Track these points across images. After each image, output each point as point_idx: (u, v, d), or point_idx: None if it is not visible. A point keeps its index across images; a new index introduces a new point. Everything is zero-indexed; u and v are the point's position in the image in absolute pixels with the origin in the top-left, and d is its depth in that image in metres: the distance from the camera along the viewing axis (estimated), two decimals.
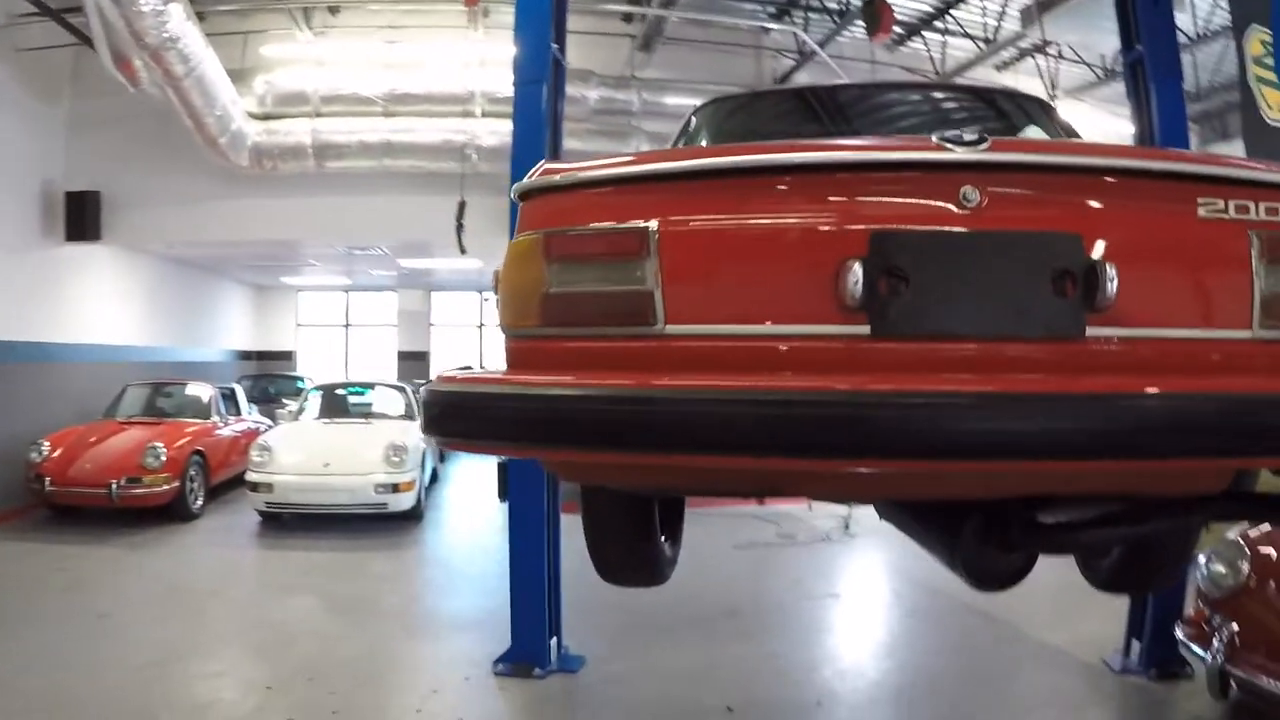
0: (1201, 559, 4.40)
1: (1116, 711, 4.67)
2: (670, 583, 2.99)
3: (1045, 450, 1.35)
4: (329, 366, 17.37)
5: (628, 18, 9.62)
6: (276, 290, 17.92)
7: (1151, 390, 1.40)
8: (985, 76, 10.25)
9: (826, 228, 1.53)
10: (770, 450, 1.37)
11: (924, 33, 10.34)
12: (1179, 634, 4.44)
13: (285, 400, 12.36)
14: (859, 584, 7.03)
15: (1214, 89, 9.63)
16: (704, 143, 2.68)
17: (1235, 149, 7.84)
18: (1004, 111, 2.83)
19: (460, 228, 9.23)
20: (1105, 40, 7.62)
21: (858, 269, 1.44)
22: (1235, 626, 3.93)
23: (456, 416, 1.57)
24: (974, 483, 1.70)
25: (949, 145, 1.49)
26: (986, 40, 9.99)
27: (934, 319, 1.49)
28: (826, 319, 1.50)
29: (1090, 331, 1.49)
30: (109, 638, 5.07)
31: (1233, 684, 3.82)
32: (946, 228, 1.50)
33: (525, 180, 1.66)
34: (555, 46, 4.79)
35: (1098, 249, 1.50)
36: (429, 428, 1.62)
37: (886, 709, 4.61)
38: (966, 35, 10.15)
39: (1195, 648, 4.28)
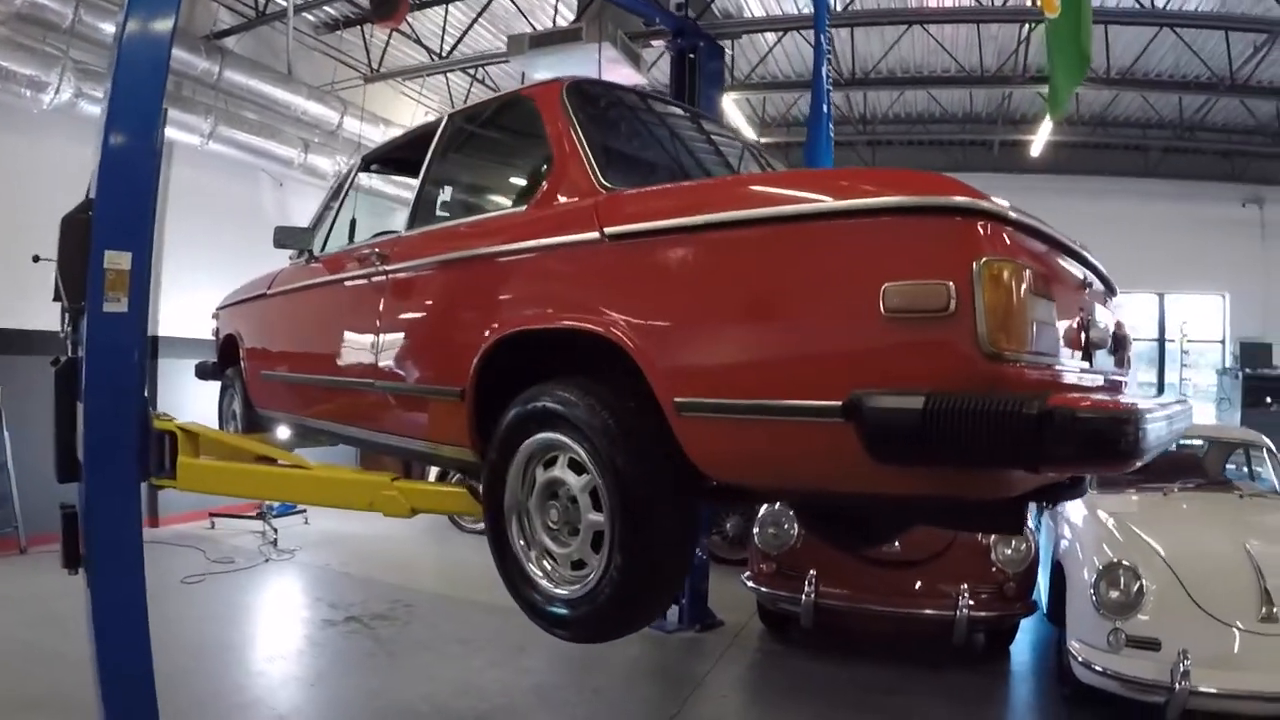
0: (756, 526, 5.44)
1: (705, 659, 5.40)
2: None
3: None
4: None
5: None
6: None
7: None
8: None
9: (1081, 291, 2.04)
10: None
11: (366, 28, 10.08)
12: (752, 585, 5.39)
13: None
14: (365, 599, 6.50)
15: None
16: (612, 130, 2.69)
17: None
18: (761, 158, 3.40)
19: None
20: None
21: (1103, 325, 2.03)
22: (814, 571, 5.02)
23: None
24: None
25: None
26: (440, 54, 10.20)
27: (1099, 361, 2.10)
28: (1077, 355, 1.95)
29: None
30: None
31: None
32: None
33: (987, 202, 1.62)
34: None
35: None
36: (1131, 452, 1.49)
37: (549, 713, 4.58)
38: (419, 42, 10.20)
39: (766, 590, 5.33)
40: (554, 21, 9.36)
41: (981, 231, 1.59)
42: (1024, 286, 1.59)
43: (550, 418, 2.14)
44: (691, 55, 6.28)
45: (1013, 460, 1.51)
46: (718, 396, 1.84)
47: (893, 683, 4.92)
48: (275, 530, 8.26)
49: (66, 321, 3.30)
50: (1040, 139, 11.74)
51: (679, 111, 3.28)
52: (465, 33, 9.78)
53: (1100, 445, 1.48)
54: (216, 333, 5.21)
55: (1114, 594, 4.06)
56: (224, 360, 5.01)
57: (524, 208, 2.52)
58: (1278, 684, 3.66)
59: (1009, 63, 10.63)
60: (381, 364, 2.98)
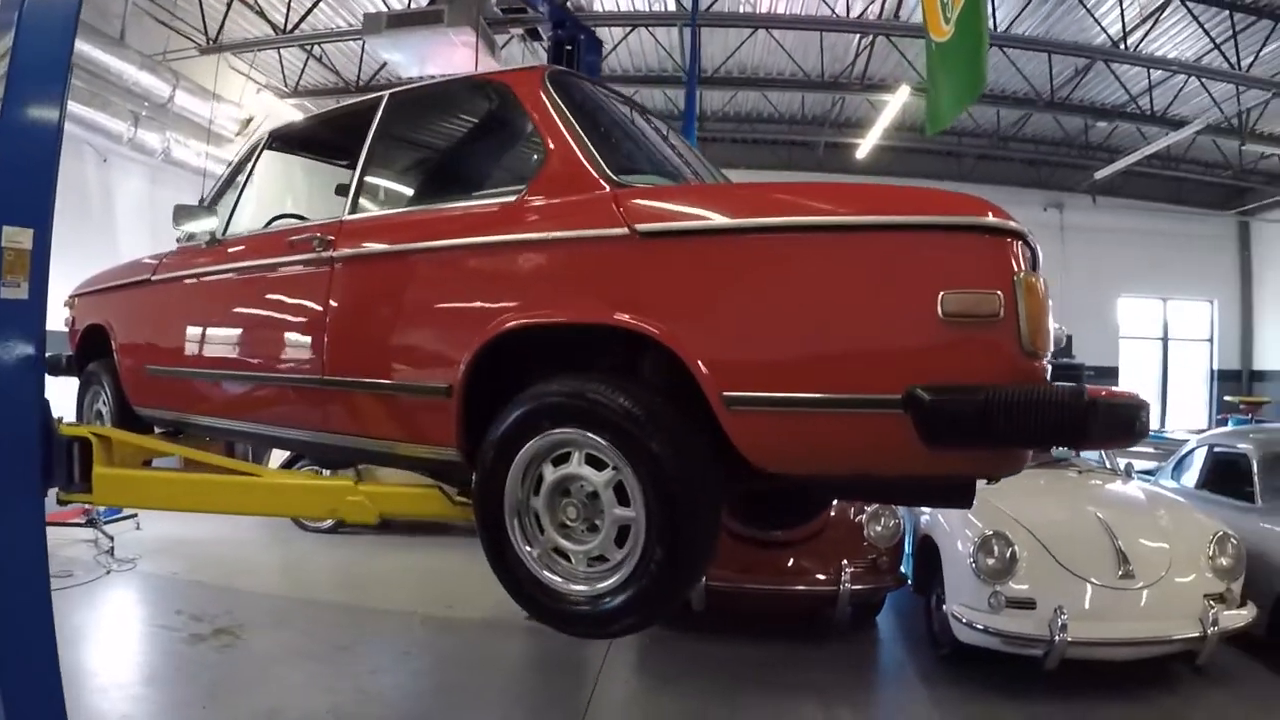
0: None
1: (595, 647, 5.32)
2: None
3: None
4: None
5: None
6: None
7: None
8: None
9: None
10: None
11: None
12: None
13: None
14: (228, 609, 6.00)
15: None
16: (594, 121, 2.61)
17: None
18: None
19: None
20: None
21: (1058, 325, 2.21)
22: None
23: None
24: None
25: None
26: (283, 29, 9.63)
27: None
28: None
29: None
30: None
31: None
32: None
33: (1013, 222, 1.87)
34: None
35: None
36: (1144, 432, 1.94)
37: (468, 715, 4.47)
38: (262, 15, 9.58)
39: None
40: (409, 2, 9.07)
41: (1014, 248, 1.84)
42: (1044, 295, 1.84)
43: (571, 413, 2.11)
44: (569, 47, 6.20)
45: (1059, 441, 1.80)
46: (770, 391, 1.92)
47: (781, 658, 5.15)
48: (111, 538, 7.54)
49: None
50: (869, 142, 12.56)
51: (626, 105, 3.31)
52: (313, 7, 9.29)
53: (1128, 427, 1.85)
54: (72, 323, 4.70)
55: (990, 561, 4.48)
56: (84, 354, 4.53)
57: (512, 198, 2.45)
58: (1141, 631, 4.25)
59: (847, 70, 11.32)
60: (331, 358, 2.78)
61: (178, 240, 3.85)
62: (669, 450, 2.00)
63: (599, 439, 2.08)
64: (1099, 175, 13.02)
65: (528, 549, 2.24)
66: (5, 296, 2.77)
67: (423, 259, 2.60)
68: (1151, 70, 10.53)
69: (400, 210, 2.87)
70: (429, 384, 2.45)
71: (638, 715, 4.61)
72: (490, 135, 2.98)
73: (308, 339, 2.86)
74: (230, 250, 3.39)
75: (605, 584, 2.12)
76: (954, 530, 4.85)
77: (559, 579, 2.20)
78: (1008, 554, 4.50)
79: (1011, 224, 1.86)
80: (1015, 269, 1.81)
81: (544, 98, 2.48)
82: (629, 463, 2.04)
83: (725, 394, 1.95)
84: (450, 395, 2.37)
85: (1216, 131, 11.52)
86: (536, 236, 2.30)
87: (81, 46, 7.80)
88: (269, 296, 3.15)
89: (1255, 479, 5.65)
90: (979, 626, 4.38)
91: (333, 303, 2.80)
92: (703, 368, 1.98)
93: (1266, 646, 4.85)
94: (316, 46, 10.81)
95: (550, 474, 2.20)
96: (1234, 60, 9.51)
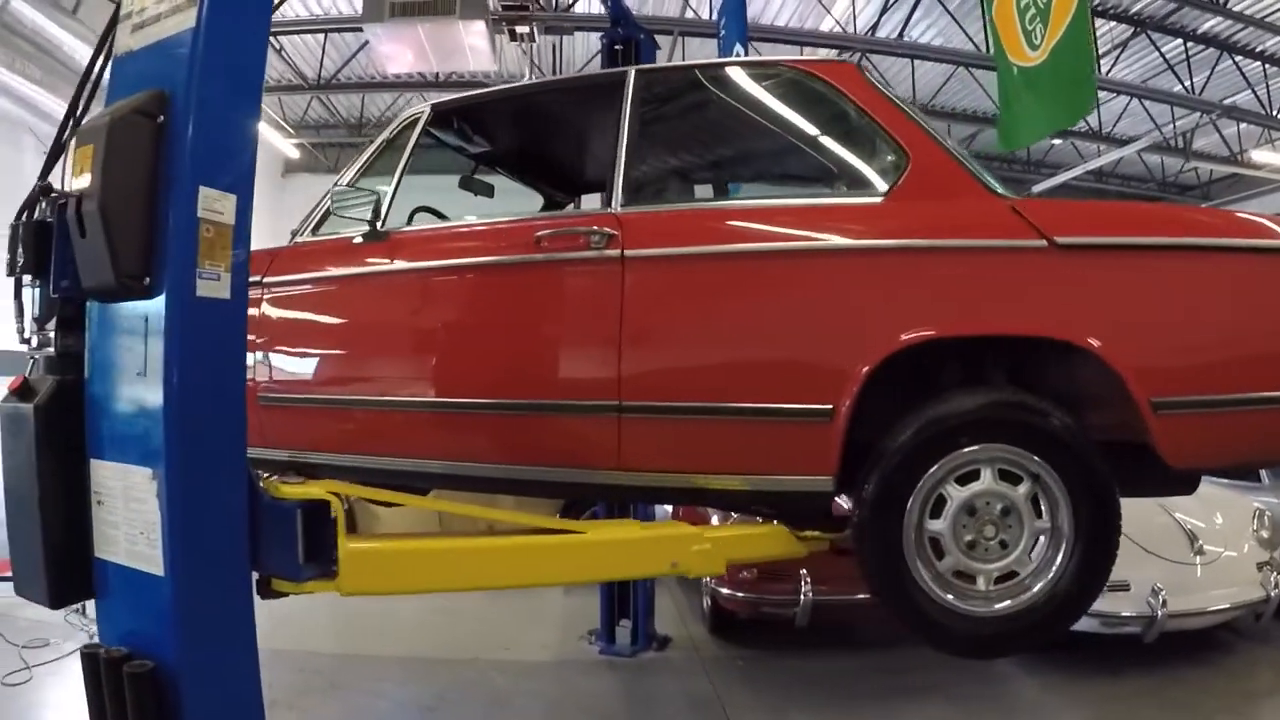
0: None
1: (693, 676, 5.15)
2: None
3: None
4: None
5: None
6: None
7: None
8: None
9: None
10: None
11: None
12: (730, 591, 5.18)
13: None
14: (276, 673, 4.74)
15: None
16: None
17: None
18: None
19: None
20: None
21: None
22: (804, 570, 4.99)
23: None
24: None
25: None
26: None
27: None
28: None
29: None
30: None
31: None
32: None
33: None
34: None
35: None
36: None
37: None
38: None
39: (751, 596, 5.14)
40: None
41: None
42: None
43: (1006, 427, 2.15)
44: (619, 47, 5.70)
45: None
46: (1192, 394, 2.11)
47: (881, 664, 5.01)
48: None
49: (36, 315, 2.09)
50: None
51: None
52: None
53: None
54: None
55: None
56: None
57: (876, 199, 2.40)
58: (1220, 599, 4.68)
59: None
60: (634, 379, 2.38)
61: (294, 233, 3.37)
62: (1099, 459, 2.14)
63: (1027, 452, 2.14)
64: (1036, 189, 13.77)
65: (926, 575, 2.21)
66: (202, 294, 1.90)
67: (782, 262, 2.34)
68: (1100, 90, 11.17)
69: (713, 204, 2.70)
70: (806, 405, 2.23)
71: None
72: (799, 127, 2.78)
73: (589, 356, 2.48)
74: (418, 247, 2.81)
75: (1018, 600, 2.18)
76: None
77: (964, 602, 2.21)
78: None
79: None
80: None
81: (878, 96, 2.45)
82: (1058, 475, 2.13)
83: (1153, 399, 2.09)
84: (832, 418, 2.20)
85: (1156, 149, 12.38)
86: (937, 244, 2.25)
87: (33, 15, 7.16)
88: (510, 304, 2.63)
89: None
90: None
91: (632, 312, 2.39)
92: (1133, 374, 2.10)
93: None
94: (275, 38, 10.22)
95: (957, 494, 2.18)
96: (1186, 83, 10.27)
